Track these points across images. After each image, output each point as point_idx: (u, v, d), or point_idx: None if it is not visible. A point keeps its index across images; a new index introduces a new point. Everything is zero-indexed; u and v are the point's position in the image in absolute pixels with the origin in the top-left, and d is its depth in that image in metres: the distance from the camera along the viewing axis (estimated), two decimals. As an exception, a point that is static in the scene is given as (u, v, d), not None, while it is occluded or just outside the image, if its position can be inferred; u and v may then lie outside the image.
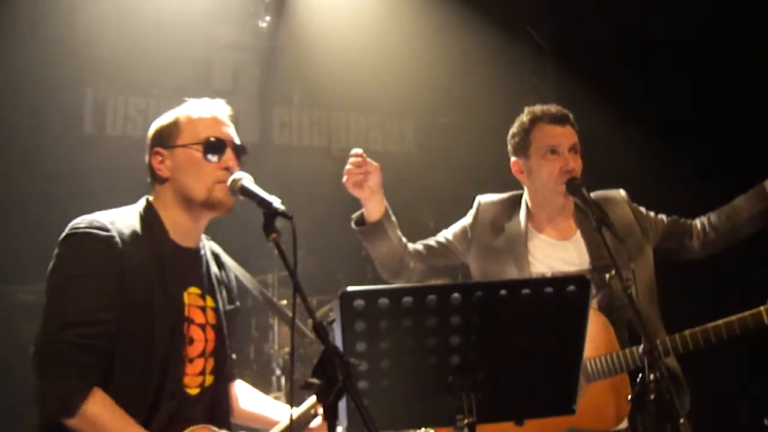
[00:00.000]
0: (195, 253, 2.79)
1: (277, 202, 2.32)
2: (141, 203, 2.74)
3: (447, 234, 3.64)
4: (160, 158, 2.71)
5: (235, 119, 2.85)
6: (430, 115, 7.61)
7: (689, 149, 5.86)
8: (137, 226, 2.64)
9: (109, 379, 2.49)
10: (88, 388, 2.43)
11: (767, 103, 5.67)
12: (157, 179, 2.74)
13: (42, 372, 2.46)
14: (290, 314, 3.30)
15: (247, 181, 2.51)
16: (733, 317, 3.16)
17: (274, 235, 2.24)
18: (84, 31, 6.14)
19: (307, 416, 2.82)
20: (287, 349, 5.73)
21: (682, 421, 2.33)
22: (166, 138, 2.72)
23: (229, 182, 2.56)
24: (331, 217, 6.54)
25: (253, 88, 7.09)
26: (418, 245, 3.59)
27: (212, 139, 2.69)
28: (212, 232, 3.12)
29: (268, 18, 6.94)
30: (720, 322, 3.16)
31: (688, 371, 3.37)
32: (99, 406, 2.43)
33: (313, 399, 2.82)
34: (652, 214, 3.55)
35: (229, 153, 2.70)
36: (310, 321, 2.04)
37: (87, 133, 6.58)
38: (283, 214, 2.28)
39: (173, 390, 2.59)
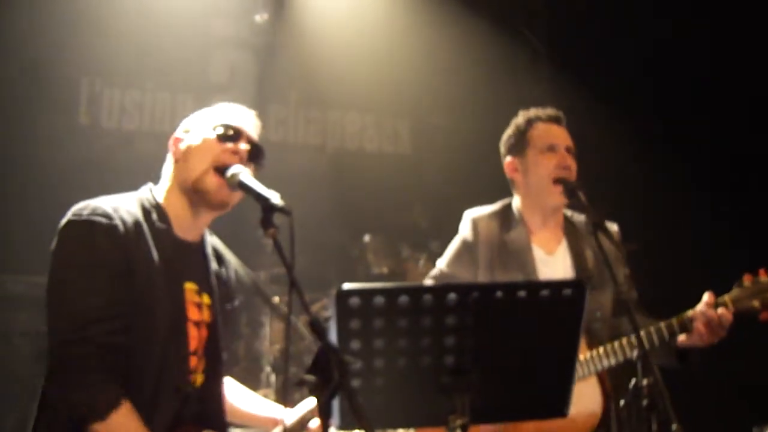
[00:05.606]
0: (196, 248, 2.71)
1: (275, 198, 2.28)
2: (144, 191, 2.67)
3: (447, 269, 3.53)
4: (178, 142, 2.69)
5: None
6: (426, 116, 7.61)
7: (686, 153, 5.87)
8: (139, 215, 2.54)
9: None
10: (119, 397, 2.35)
11: (766, 102, 5.68)
12: (172, 162, 2.69)
13: (67, 375, 2.37)
14: (285, 310, 3.27)
15: (245, 175, 2.47)
16: (662, 323, 3.05)
17: (271, 230, 2.21)
18: (81, 23, 6.12)
19: (305, 419, 2.77)
20: (278, 347, 5.72)
21: (674, 427, 2.33)
22: (188, 126, 2.72)
23: (228, 175, 2.50)
24: (324, 216, 6.55)
25: (249, 85, 7.06)
26: None
27: (231, 124, 2.66)
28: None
29: (265, 14, 6.93)
30: (650, 327, 3.04)
31: (678, 379, 3.33)
32: (124, 417, 2.35)
33: (308, 403, 2.77)
34: (627, 271, 3.40)
35: (244, 142, 2.65)
36: (302, 318, 2.03)
37: (82, 125, 6.55)
38: (281, 210, 2.24)
39: (178, 385, 2.51)
